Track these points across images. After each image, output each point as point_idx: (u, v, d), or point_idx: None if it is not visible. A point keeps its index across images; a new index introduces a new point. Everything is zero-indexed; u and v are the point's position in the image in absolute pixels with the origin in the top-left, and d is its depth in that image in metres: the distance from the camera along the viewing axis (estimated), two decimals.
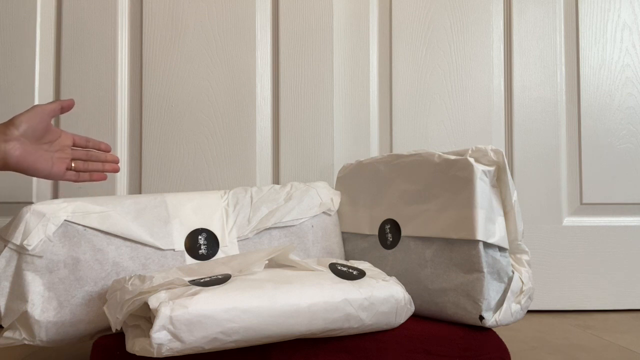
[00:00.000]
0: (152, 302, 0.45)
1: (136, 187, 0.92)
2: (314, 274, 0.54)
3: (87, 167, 0.69)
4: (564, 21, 0.99)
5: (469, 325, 0.56)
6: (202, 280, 0.49)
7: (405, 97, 0.95)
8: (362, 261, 0.64)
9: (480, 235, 0.55)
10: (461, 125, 0.95)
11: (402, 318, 0.56)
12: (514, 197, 0.59)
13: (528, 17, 0.97)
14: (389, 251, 0.65)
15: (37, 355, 0.69)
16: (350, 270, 0.57)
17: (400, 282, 0.61)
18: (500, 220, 0.58)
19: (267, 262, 0.55)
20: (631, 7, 0.98)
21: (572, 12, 0.98)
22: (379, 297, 0.54)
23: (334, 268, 0.57)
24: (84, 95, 0.91)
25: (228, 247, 0.65)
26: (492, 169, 0.57)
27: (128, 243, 0.60)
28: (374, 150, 0.96)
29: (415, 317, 0.61)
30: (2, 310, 0.55)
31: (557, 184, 0.97)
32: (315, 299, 0.50)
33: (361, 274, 0.57)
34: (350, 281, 0.54)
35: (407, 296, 0.57)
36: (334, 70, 0.94)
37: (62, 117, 0.90)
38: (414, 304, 0.61)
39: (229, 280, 0.50)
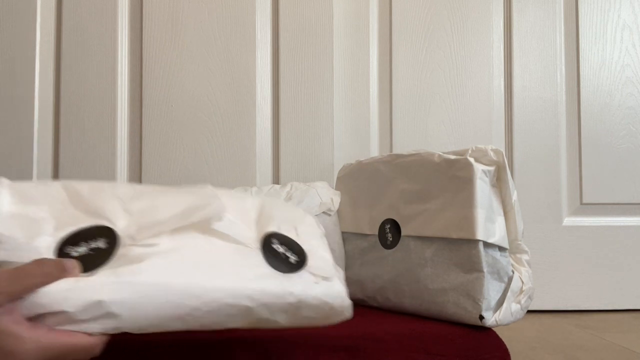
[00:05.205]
0: None
1: None
2: (233, 257, 0.43)
3: None
4: (564, 21, 0.99)
5: (469, 325, 0.56)
6: (74, 252, 0.39)
7: (405, 97, 0.95)
8: (319, 234, 0.51)
9: (480, 235, 0.55)
10: (461, 125, 0.96)
11: (332, 323, 0.47)
12: (514, 197, 0.59)
13: (528, 17, 0.97)
14: (389, 251, 0.65)
15: None
16: (287, 256, 0.45)
17: (400, 282, 0.61)
18: (500, 220, 0.58)
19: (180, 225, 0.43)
20: (631, 7, 0.98)
21: (572, 12, 0.99)
22: (309, 303, 0.43)
23: (267, 246, 0.45)
24: (84, 95, 0.91)
25: None
26: (492, 168, 0.57)
27: None
28: (374, 150, 0.96)
29: (415, 317, 0.61)
30: None
31: (557, 184, 0.97)
32: (218, 300, 0.40)
33: (299, 263, 0.45)
34: (279, 274, 0.43)
35: (347, 302, 0.46)
36: (334, 70, 0.94)
37: (62, 118, 0.90)
38: (414, 304, 0.61)
39: (110, 260, 0.39)
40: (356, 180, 0.73)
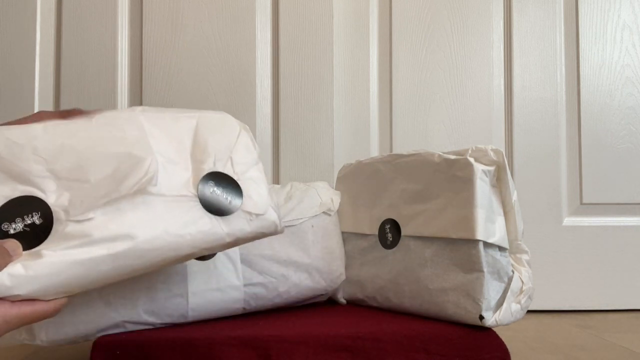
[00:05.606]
0: None
1: None
2: (172, 213, 0.44)
3: None
4: (564, 21, 0.99)
5: (469, 325, 0.56)
6: (11, 229, 0.40)
7: (405, 97, 0.95)
8: (254, 160, 0.51)
9: (480, 235, 0.55)
10: (461, 125, 0.96)
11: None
12: (514, 197, 0.59)
13: (528, 17, 0.97)
14: (389, 251, 0.65)
15: (37, 355, 0.69)
16: (224, 198, 0.46)
17: (400, 282, 0.61)
18: (500, 220, 0.58)
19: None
20: (631, 7, 0.98)
21: (572, 12, 0.99)
22: (244, 238, 0.47)
23: (205, 192, 0.46)
24: (84, 95, 0.91)
25: None
26: (492, 168, 0.57)
27: None
28: (374, 150, 0.96)
29: (415, 317, 0.61)
30: None
31: (557, 184, 0.97)
32: (160, 256, 0.42)
33: (235, 204, 0.47)
34: (217, 218, 0.45)
35: (281, 227, 0.50)
36: (334, 70, 0.94)
37: None
38: (414, 304, 0.61)
39: (48, 237, 0.40)
40: (356, 180, 0.73)
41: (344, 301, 0.72)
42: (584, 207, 0.97)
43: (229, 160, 0.49)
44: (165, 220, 0.43)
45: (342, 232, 0.73)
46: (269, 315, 0.63)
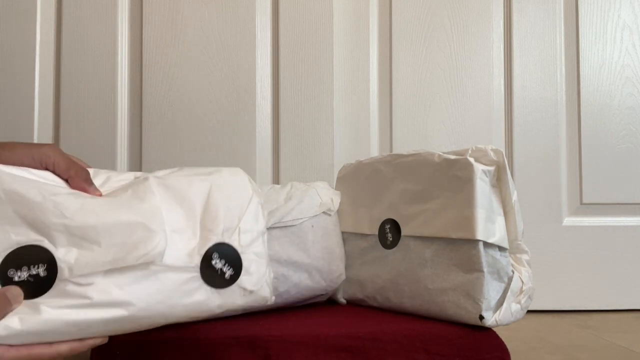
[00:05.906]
0: None
1: None
2: (171, 285, 0.45)
3: None
4: (564, 21, 0.99)
5: (469, 325, 0.56)
6: (16, 277, 0.41)
7: (405, 97, 0.95)
8: (260, 230, 0.52)
9: (480, 235, 0.55)
10: (461, 125, 0.96)
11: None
12: (514, 197, 0.59)
13: (528, 17, 0.97)
14: (389, 251, 0.65)
15: None
16: (224, 271, 0.48)
17: (400, 282, 0.61)
18: (500, 220, 0.58)
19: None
20: (631, 7, 0.98)
21: (572, 12, 0.99)
22: (234, 310, 0.49)
23: (207, 263, 0.47)
24: (83, 96, 0.91)
25: None
26: (492, 168, 0.57)
27: None
28: (374, 150, 0.96)
29: (415, 317, 0.61)
30: None
31: (557, 184, 0.97)
32: (151, 324, 0.45)
33: (233, 278, 0.48)
34: (212, 290, 0.47)
35: (271, 301, 0.51)
36: (334, 70, 0.94)
37: (62, 118, 0.90)
38: (414, 304, 0.61)
39: (48, 290, 0.41)
40: (356, 180, 0.73)
41: (344, 301, 0.72)
42: (584, 207, 0.97)
43: (237, 230, 0.50)
44: (164, 290, 0.44)
45: (342, 232, 0.73)
46: (269, 315, 0.63)
